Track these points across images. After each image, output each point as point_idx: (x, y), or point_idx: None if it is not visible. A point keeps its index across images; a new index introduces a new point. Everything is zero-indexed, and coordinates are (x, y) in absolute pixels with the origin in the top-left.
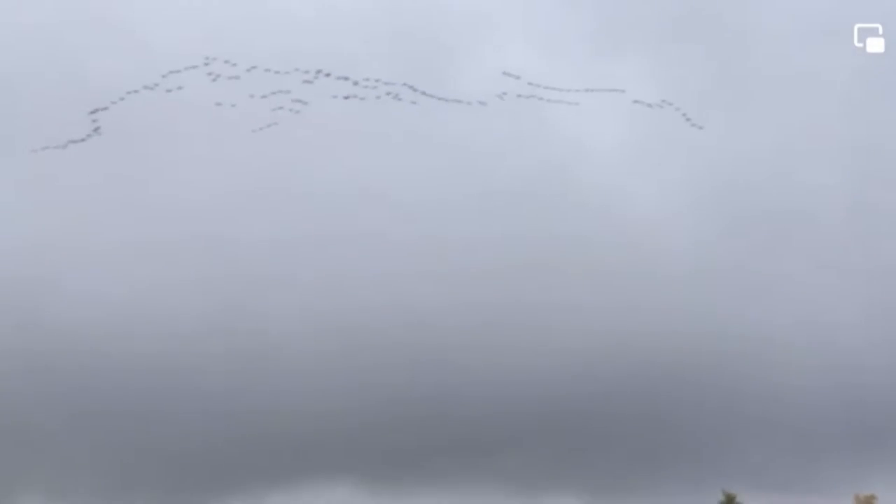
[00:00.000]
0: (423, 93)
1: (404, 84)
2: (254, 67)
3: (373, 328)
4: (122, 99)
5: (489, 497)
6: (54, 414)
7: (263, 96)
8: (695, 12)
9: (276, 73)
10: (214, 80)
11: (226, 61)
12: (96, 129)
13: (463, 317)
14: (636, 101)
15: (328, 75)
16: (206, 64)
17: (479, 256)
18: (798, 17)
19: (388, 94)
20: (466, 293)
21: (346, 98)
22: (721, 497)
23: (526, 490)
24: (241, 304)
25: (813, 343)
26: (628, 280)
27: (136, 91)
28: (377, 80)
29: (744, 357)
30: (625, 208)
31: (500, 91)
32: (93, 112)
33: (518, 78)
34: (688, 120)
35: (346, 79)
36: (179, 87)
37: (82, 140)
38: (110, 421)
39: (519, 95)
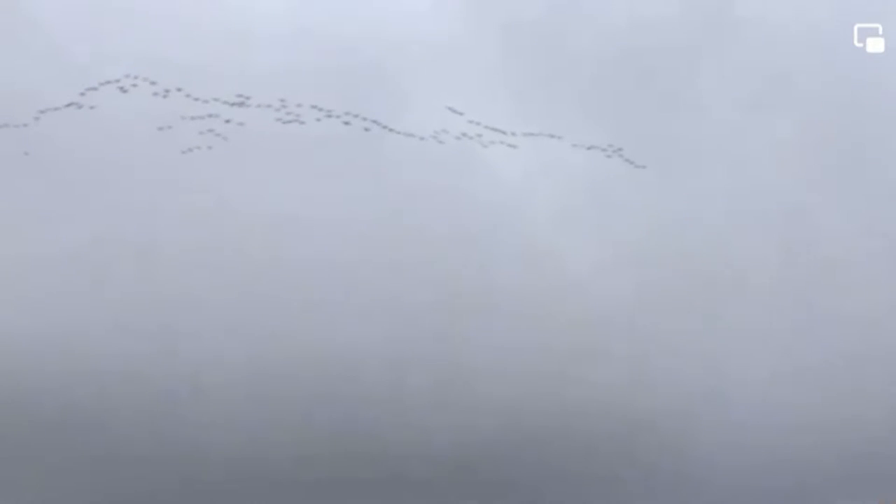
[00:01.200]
0: (373, 121)
1: (347, 112)
2: (179, 89)
3: (297, 367)
4: (35, 119)
5: None
6: None
7: (194, 118)
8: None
9: (203, 95)
10: (137, 97)
11: (148, 80)
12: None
13: (390, 352)
14: (575, 145)
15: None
16: (130, 83)
17: (410, 292)
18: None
19: (328, 117)
20: (395, 329)
21: (286, 123)
22: None
23: None
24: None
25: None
26: (561, 326)
27: (53, 109)
28: (314, 106)
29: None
30: (563, 257)
31: (441, 127)
32: None
33: (462, 114)
34: (630, 162)
35: (283, 103)
36: (92, 107)
37: None
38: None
39: (462, 134)
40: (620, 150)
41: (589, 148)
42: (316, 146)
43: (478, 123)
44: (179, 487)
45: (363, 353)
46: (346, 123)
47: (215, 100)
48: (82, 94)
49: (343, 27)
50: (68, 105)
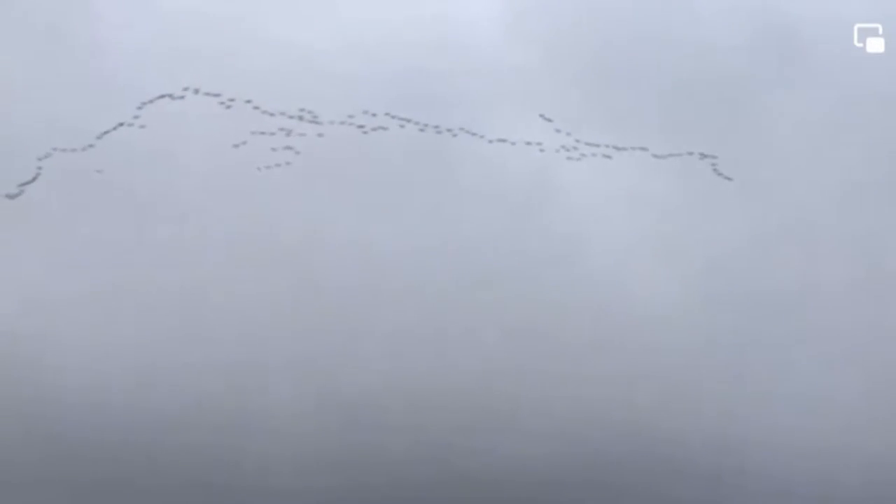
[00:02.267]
0: (465, 130)
1: (426, 124)
2: (248, 101)
3: (373, 398)
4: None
5: None
6: None
7: (264, 133)
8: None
9: (271, 109)
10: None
11: (208, 93)
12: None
13: (461, 382)
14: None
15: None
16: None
17: (482, 318)
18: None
19: (405, 127)
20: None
21: (366, 133)
22: None
23: None
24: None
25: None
26: (630, 353)
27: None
28: (388, 114)
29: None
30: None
31: (526, 138)
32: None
33: (550, 121)
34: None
35: (353, 115)
36: (143, 126)
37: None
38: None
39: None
40: (714, 159)
41: (670, 155)
42: (396, 157)
43: (568, 134)
44: None
45: (433, 381)
46: (421, 130)
47: (282, 113)
48: (138, 109)
49: (418, 35)
50: (131, 124)
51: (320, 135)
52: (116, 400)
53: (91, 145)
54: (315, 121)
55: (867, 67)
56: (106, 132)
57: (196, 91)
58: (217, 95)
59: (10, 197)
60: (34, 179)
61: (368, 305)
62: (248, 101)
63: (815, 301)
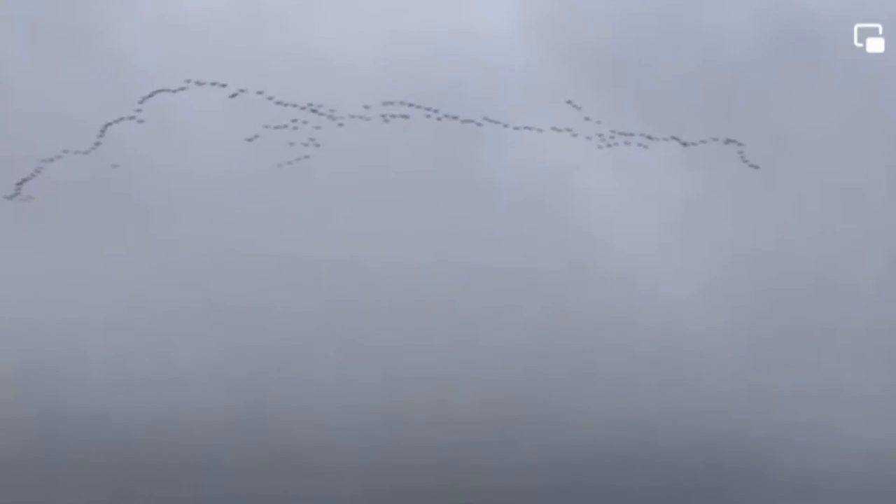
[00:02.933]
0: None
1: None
2: (260, 92)
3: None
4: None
5: None
6: None
7: (278, 126)
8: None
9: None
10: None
11: (213, 83)
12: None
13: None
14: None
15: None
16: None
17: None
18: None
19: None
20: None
21: (387, 121)
22: None
23: None
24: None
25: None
26: (661, 358)
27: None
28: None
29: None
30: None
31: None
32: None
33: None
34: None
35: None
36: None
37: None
38: None
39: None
40: (740, 145)
41: (699, 142)
42: (418, 148)
43: (598, 122)
44: None
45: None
46: (439, 120)
47: (294, 105)
48: (140, 103)
49: (439, 26)
50: (141, 120)
51: (340, 125)
52: (136, 407)
53: (98, 143)
54: (332, 115)
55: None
56: (112, 122)
57: (226, 87)
58: (258, 93)
59: (10, 198)
60: (33, 175)
61: (384, 307)
62: (261, 93)
63: (842, 294)
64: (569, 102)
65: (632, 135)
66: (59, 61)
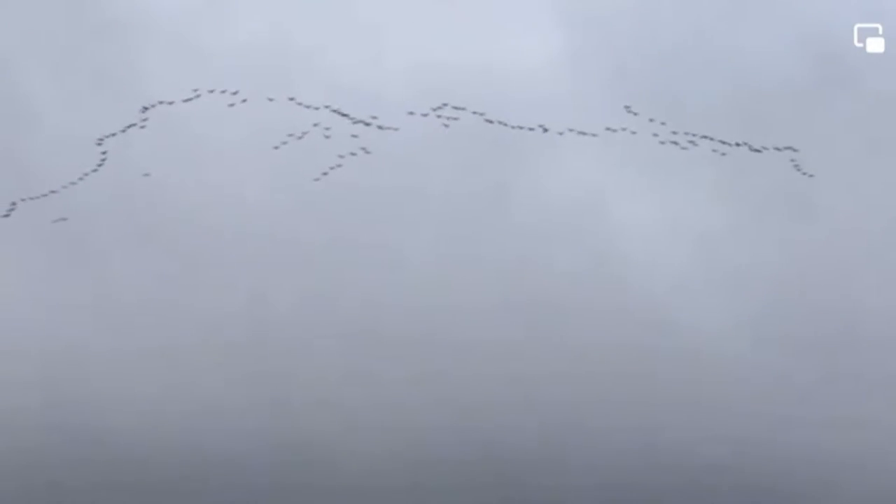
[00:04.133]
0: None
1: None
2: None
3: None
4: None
5: None
6: None
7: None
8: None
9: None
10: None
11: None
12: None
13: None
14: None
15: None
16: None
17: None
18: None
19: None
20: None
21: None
22: None
23: None
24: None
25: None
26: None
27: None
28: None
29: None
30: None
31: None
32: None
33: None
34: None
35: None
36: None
37: None
38: None
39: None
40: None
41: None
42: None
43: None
44: None
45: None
46: (490, 121)
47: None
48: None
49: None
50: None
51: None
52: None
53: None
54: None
55: None
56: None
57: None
58: (300, 100)
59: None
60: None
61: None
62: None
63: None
64: (626, 108)
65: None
66: (85, 91)
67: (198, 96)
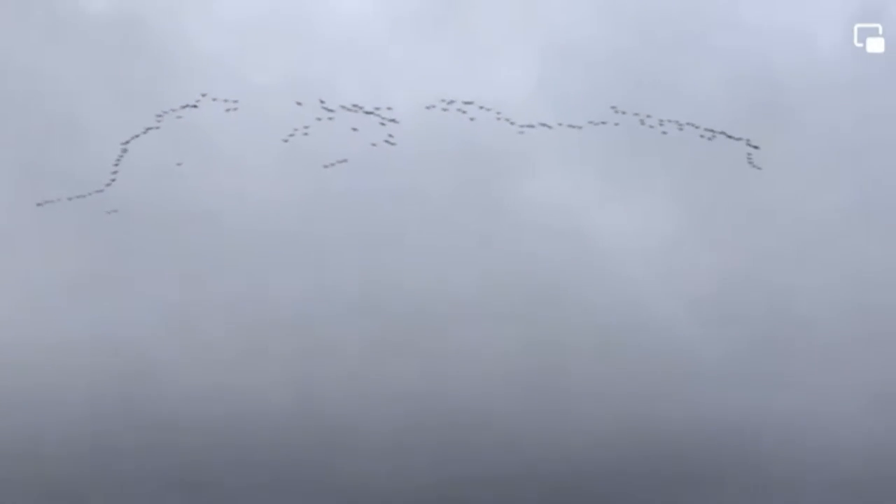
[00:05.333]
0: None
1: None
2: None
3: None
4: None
5: None
6: None
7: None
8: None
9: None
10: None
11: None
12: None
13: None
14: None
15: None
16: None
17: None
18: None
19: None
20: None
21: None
22: None
23: None
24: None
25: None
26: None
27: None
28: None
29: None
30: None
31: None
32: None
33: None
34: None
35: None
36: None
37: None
38: None
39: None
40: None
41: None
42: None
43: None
44: None
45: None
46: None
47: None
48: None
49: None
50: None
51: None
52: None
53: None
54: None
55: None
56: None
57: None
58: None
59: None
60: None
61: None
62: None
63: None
64: (613, 108)
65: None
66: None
67: (212, 99)
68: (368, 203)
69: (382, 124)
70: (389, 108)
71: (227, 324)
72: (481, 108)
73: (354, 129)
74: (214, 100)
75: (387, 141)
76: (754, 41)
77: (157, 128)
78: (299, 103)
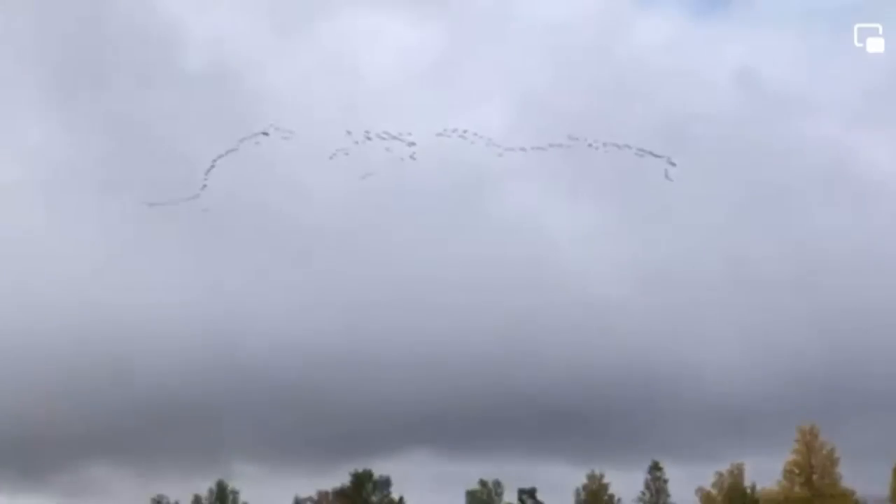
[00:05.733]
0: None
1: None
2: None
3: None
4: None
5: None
6: None
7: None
8: None
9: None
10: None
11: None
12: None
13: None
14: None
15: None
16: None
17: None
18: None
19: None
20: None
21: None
22: (650, 463)
23: (527, 457)
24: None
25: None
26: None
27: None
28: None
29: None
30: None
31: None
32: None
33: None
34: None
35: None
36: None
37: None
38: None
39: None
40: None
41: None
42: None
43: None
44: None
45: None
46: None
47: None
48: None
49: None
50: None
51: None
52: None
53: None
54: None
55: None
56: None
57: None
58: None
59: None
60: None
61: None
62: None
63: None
64: (570, 136)
65: None
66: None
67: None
68: (393, 203)
69: (408, 145)
70: (410, 134)
71: (288, 291)
72: (475, 134)
73: (387, 150)
74: (277, 129)
75: (411, 157)
76: (667, 84)
77: (236, 150)
78: (349, 132)
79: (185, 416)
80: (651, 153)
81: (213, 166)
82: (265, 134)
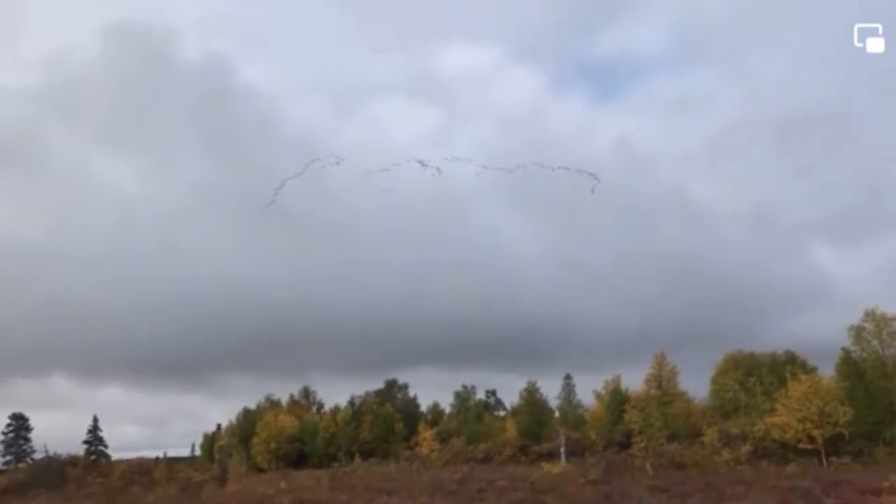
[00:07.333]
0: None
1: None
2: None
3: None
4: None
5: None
6: None
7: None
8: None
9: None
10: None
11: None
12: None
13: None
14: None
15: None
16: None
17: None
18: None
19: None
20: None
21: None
22: (564, 375)
23: (491, 370)
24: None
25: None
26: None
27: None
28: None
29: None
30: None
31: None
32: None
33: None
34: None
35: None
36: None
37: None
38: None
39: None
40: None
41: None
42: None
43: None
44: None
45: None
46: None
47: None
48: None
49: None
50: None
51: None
52: None
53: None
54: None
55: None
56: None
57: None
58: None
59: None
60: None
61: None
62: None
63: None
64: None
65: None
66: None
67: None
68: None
69: (426, 166)
70: (424, 159)
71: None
72: (461, 158)
73: (422, 164)
74: (327, 157)
75: (434, 172)
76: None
77: (301, 173)
78: (396, 164)
79: (285, 345)
80: (587, 172)
81: (282, 185)
82: (337, 163)
